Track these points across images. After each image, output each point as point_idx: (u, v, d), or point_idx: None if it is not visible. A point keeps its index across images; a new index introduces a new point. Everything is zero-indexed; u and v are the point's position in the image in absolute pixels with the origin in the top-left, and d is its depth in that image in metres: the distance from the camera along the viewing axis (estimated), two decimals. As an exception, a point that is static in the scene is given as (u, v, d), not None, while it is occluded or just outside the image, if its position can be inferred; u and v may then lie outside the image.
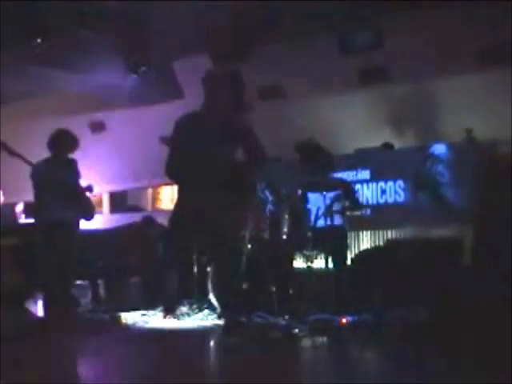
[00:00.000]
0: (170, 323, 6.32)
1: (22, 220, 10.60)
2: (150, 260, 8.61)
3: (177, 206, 5.84)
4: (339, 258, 7.29)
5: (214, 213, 5.61)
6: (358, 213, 7.82)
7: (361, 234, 9.47)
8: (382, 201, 9.49)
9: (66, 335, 6.00)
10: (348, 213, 7.63)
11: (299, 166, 8.00)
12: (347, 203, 7.54)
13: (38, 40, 10.11)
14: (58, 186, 7.24)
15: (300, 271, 7.43)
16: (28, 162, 7.21)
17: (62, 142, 7.46)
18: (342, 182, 7.95)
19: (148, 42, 11.46)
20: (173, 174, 5.83)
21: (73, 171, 7.51)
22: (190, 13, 10.54)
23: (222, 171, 5.61)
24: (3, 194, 10.33)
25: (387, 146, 10.33)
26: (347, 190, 7.62)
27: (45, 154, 7.59)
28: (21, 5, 9.59)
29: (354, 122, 11.10)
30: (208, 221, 5.63)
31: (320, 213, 7.19)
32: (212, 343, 5.85)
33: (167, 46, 11.61)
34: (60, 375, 4.48)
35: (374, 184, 9.56)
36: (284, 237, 7.37)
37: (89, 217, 7.65)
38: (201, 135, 5.68)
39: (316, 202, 7.38)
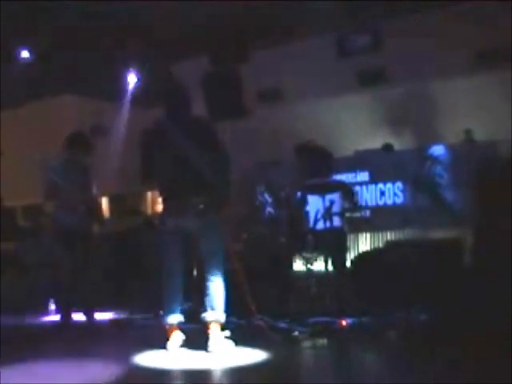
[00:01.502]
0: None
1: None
2: (149, 263, 8.60)
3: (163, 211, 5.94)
4: (339, 260, 7.26)
5: (194, 215, 5.68)
6: (357, 214, 7.78)
7: (360, 235, 9.47)
8: (381, 202, 9.48)
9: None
10: (347, 214, 7.62)
11: (299, 168, 7.99)
12: (346, 205, 7.51)
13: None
14: (71, 188, 7.23)
15: (300, 273, 7.42)
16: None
17: (77, 145, 7.44)
18: (342, 184, 7.92)
19: (148, 43, 11.48)
20: (148, 182, 5.95)
21: (86, 174, 7.52)
22: (189, 14, 10.55)
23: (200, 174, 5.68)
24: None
25: (387, 147, 10.32)
26: (347, 192, 7.60)
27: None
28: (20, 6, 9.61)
29: (353, 123, 11.11)
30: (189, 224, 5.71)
31: (319, 215, 7.17)
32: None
33: (167, 47, 11.62)
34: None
35: (373, 186, 9.55)
36: (283, 239, 7.36)
37: (101, 222, 7.71)
38: (176, 139, 5.72)
39: (315, 204, 7.36)
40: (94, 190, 7.57)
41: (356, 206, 7.70)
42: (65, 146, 7.41)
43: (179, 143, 5.68)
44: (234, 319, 6.52)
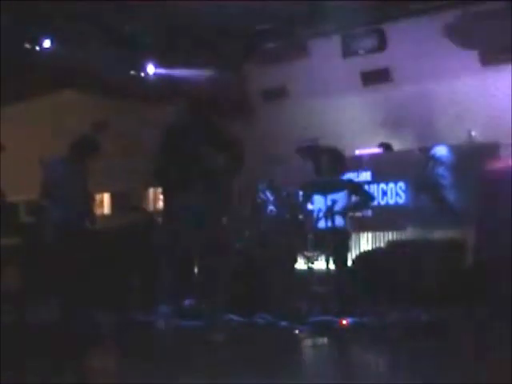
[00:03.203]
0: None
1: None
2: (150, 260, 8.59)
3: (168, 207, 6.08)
4: (340, 259, 7.26)
5: (199, 213, 5.81)
6: (369, 207, 7.82)
7: (362, 235, 9.45)
8: (383, 202, 9.46)
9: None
10: (359, 209, 7.81)
11: (308, 167, 8.02)
12: (357, 200, 7.52)
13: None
14: (70, 187, 7.26)
15: (301, 272, 7.42)
16: None
17: (85, 150, 7.48)
18: (350, 182, 7.90)
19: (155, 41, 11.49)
20: (161, 178, 6.13)
21: (84, 174, 7.55)
22: (192, 13, 10.54)
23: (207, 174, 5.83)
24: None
25: (383, 146, 10.28)
26: (356, 189, 7.61)
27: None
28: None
29: (357, 123, 11.09)
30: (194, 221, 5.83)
31: (321, 214, 7.17)
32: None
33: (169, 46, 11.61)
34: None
35: (376, 185, 9.54)
36: (285, 238, 7.36)
37: (92, 221, 7.75)
38: (188, 141, 5.96)
39: (318, 203, 7.37)
40: (89, 190, 7.62)
41: (368, 199, 7.73)
42: (72, 148, 7.43)
43: (194, 145, 5.91)
44: (234, 317, 6.53)
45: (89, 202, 7.65)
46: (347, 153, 10.41)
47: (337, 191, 7.24)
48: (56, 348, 5.76)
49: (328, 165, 7.55)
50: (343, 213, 7.30)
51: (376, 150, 10.26)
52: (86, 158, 7.52)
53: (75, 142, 7.47)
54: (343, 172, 7.73)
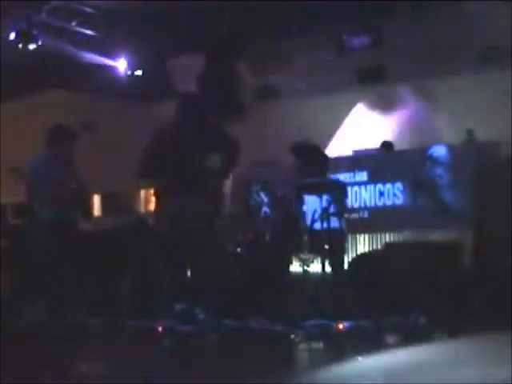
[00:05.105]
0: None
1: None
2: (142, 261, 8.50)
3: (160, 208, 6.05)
4: (336, 262, 7.18)
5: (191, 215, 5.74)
6: (344, 216, 7.72)
7: (358, 237, 9.34)
8: (380, 203, 9.35)
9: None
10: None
11: (295, 168, 7.94)
12: (337, 205, 7.40)
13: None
14: (55, 183, 7.12)
15: (296, 275, 7.31)
16: None
17: (60, 138, 7.31)
18: (338, 183, 7.83)
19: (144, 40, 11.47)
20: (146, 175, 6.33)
21: (70, 166, 7.38)
22: (187, 11, 10.51)
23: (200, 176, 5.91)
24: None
25: (387, 145, 10.19)
26: (340, 193, 7.50)
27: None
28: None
29: (352, 122, 11.07)
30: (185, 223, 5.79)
31: (316, 215, 7.08)
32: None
33: (162, 44, 11.59)
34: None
35: (372, 186, 9.42)
36: (280, 240, 7.29)
37: (87, 217, 7.62)
38: (182, 143, 6.02)
39: (313, 204, 7.26)
40: (80, 182, 7.43)
41: (342, 210, 7.56)
42: (48, 139, 7.27)
43: (189, 148, 5.92)
44: (228, 321, 6.43)
45: (81, 194, 7.42)
46: (343, 152, 10.42)
47: (329, 192, 7.14)
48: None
49: (317, 164, 7.49)
50: (339, 214, 7.20)
51: (372, 150, 10.19)
52: (64, 147, 7.31)
53: (48, 136, 7.29)
54: (325, 172, 7.63)
